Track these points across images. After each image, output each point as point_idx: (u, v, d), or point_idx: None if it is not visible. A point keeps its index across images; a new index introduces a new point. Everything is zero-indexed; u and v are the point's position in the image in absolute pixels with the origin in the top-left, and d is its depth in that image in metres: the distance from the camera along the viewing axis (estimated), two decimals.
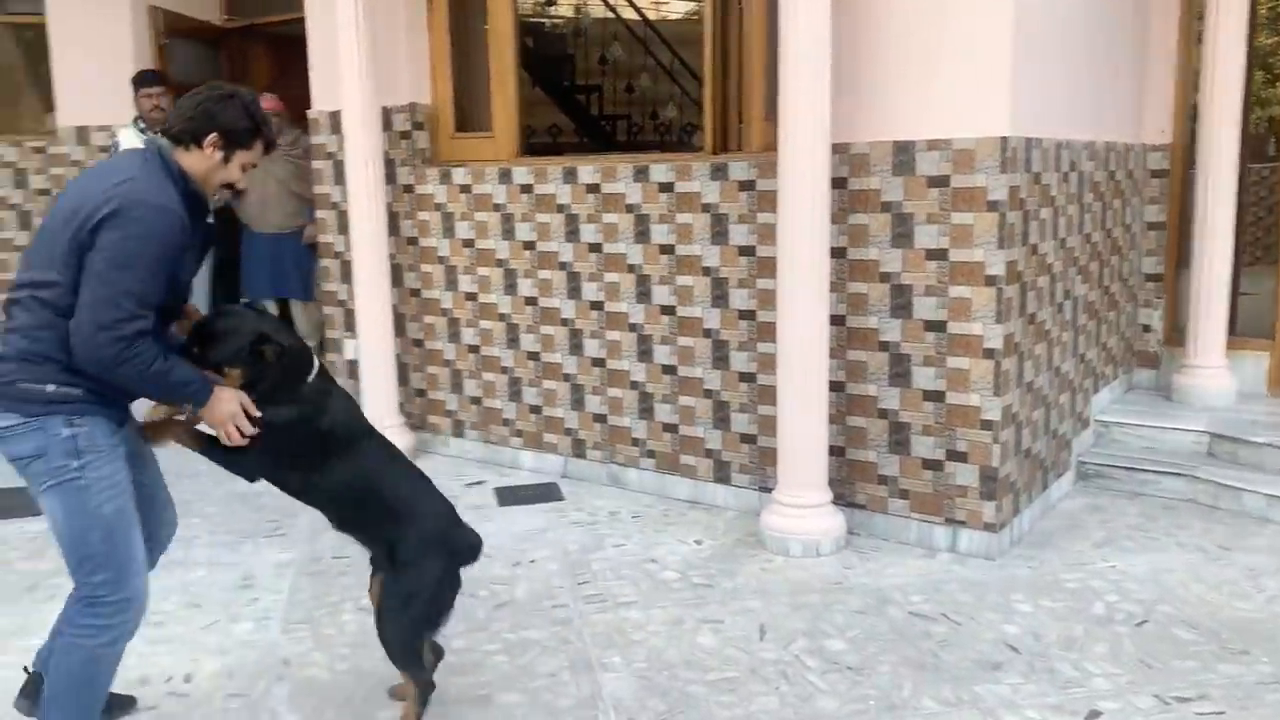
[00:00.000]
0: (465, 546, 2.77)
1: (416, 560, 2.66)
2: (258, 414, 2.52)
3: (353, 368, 5.72)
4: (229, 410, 2.47)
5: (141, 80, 5.90)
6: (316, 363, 2.67)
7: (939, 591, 3.66)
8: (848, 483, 4.17)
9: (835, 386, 4.07)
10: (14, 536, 4.33)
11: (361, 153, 5.05)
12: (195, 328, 2.57)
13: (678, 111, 8.49)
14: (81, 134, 6.62)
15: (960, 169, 3.80)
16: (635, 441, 4.75)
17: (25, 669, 2.83)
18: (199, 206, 2.51)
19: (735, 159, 4.35)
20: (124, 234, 2.30)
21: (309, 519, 4.46)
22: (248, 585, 3.83)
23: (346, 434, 2.66)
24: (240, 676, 3.15)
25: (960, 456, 3.93)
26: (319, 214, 5.76)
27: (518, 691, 3.03)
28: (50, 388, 2.36)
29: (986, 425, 3.87)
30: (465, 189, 5.13)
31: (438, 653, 2.94)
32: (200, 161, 2.48)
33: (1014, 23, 3.67)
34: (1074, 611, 3.50)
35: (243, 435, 2.50)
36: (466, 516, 4.35)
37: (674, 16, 9.90)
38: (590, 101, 8.50)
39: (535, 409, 5.07)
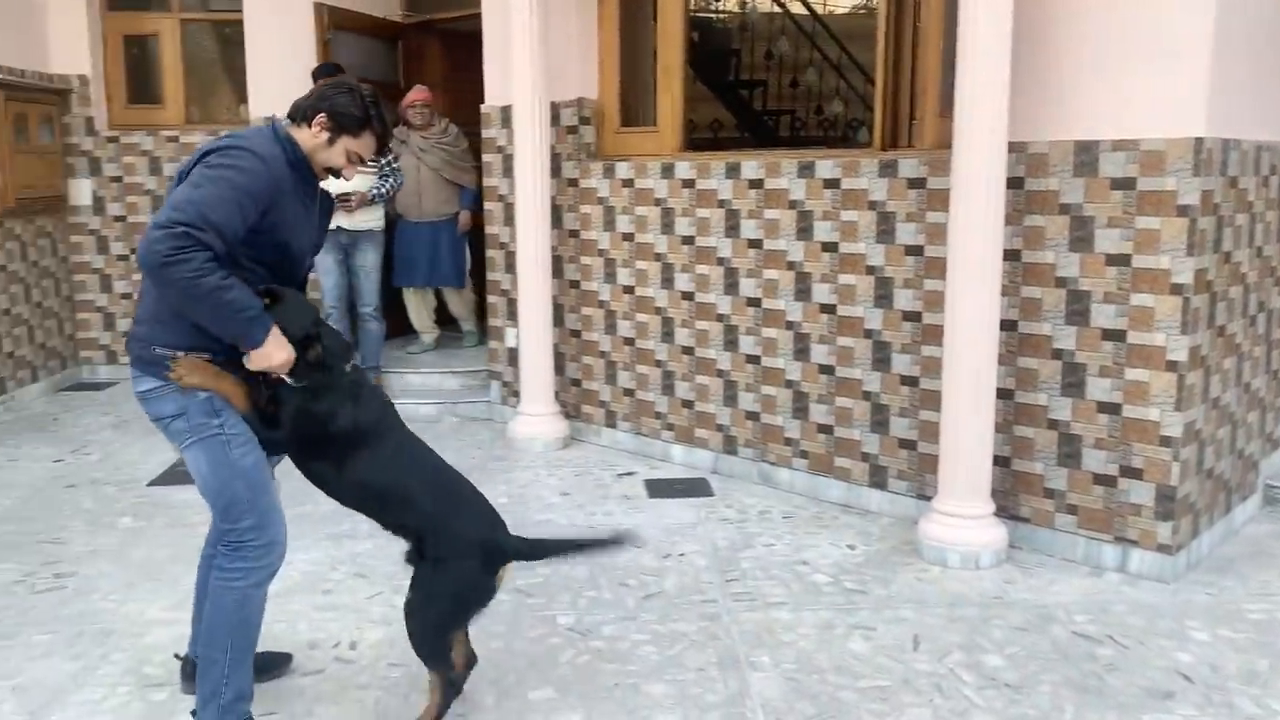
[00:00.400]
0: (498, 550, 2.70)
1: (444, 560, 2.64)
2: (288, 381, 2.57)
3: (513, 355, 5.87)
4: (281, 357, 2.50)
5: (320, 73, 6.18)
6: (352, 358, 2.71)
7: (1106, 613, 3.49)
8: (1011, 494, 4.02)
9: (1003, 394, 3.93)
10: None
11: (529, 146, 5.17)
12: (263, 290, 2.54)
13: (843, 107, 8.34)
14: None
15: (1148, 171, 3.60)
16: (788, 441, 4.70)
17: (176, 655, 3.03)
18: (307, 175, 2.64)
19: (905, 155, 4.24)
20: (209, 164, 2.44)
21: None
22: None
23: (371, 430, 2.64)
24: (400, 646, 3.25)
25: (1135, 473, 3.73)
26: (487, 206, 5.92)
27: (665, 683, 3.05)
28: (182, 354, 2.50)
29: (1166, 441, 3.66)
30: (628, 183, 5.18)
31: (470, 661, 2.88)
32: (309, 138, 2.62)
33: (1215, 18, 3.45)
34: (1257, 644, 3.27)
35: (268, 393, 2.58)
36: (617, 507, 4.49)
37: (840, 10, 9.73)
38: (753, 96, 8.46)
39: (687, 403, 5.08)
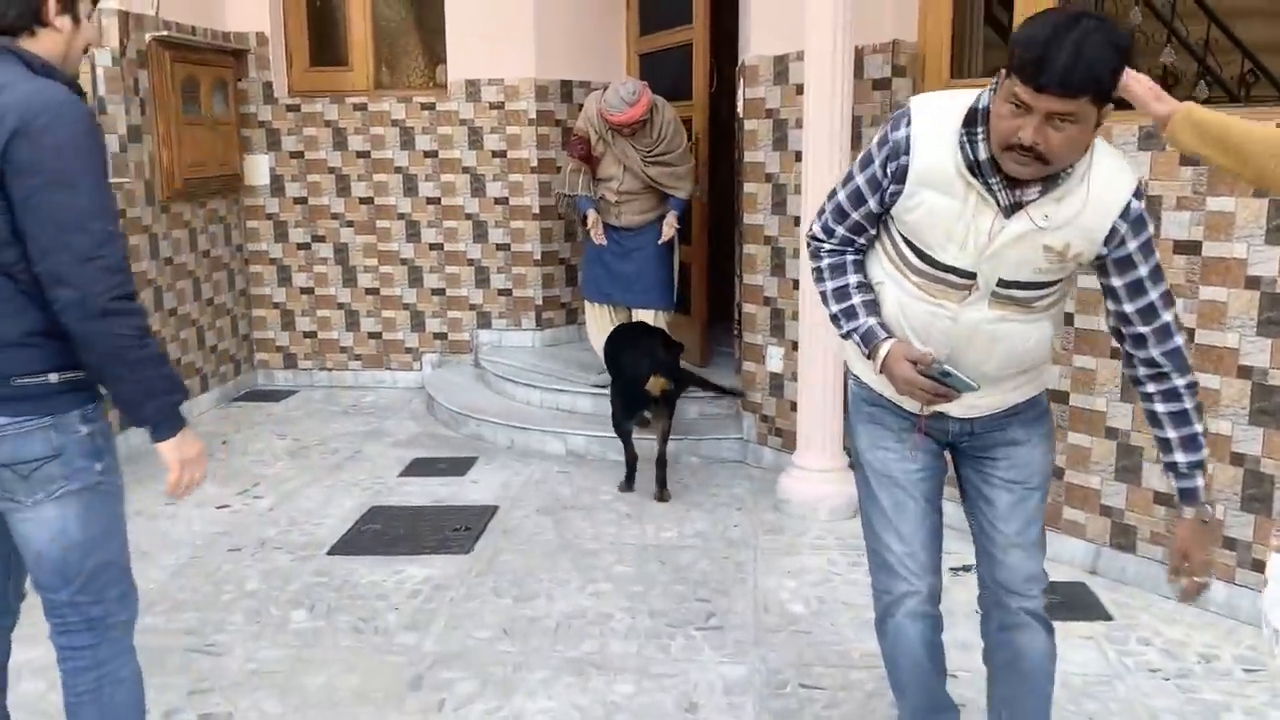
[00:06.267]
0: (629, 378, 4.30)
1: (611, 380, 4.51)
2: None
3: (775, 381, 4.53)
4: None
5: None
6: None
7: None
8: None
9: None
10: (392, 584, 3.49)
11: (826, 108, 3.79)
12: None
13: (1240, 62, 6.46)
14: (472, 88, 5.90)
15: None
16: (1229, 543, 3.19)
17: None
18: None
19: None
20: (55, 144, 1.75)
21: (745, 604, 3.32)
22: (690, 711, 2.71)
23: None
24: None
25: None
26: (748, 188, 4.57)
27: None
28: (53, 377, 1.87)
29: None
30: None
31: (659, 458, 4.31)
32: (57, 41, 1.88)
33: None
34: None
35: None
36: (973, 633, 3.01)
37: None
38: None
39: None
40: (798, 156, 4.24)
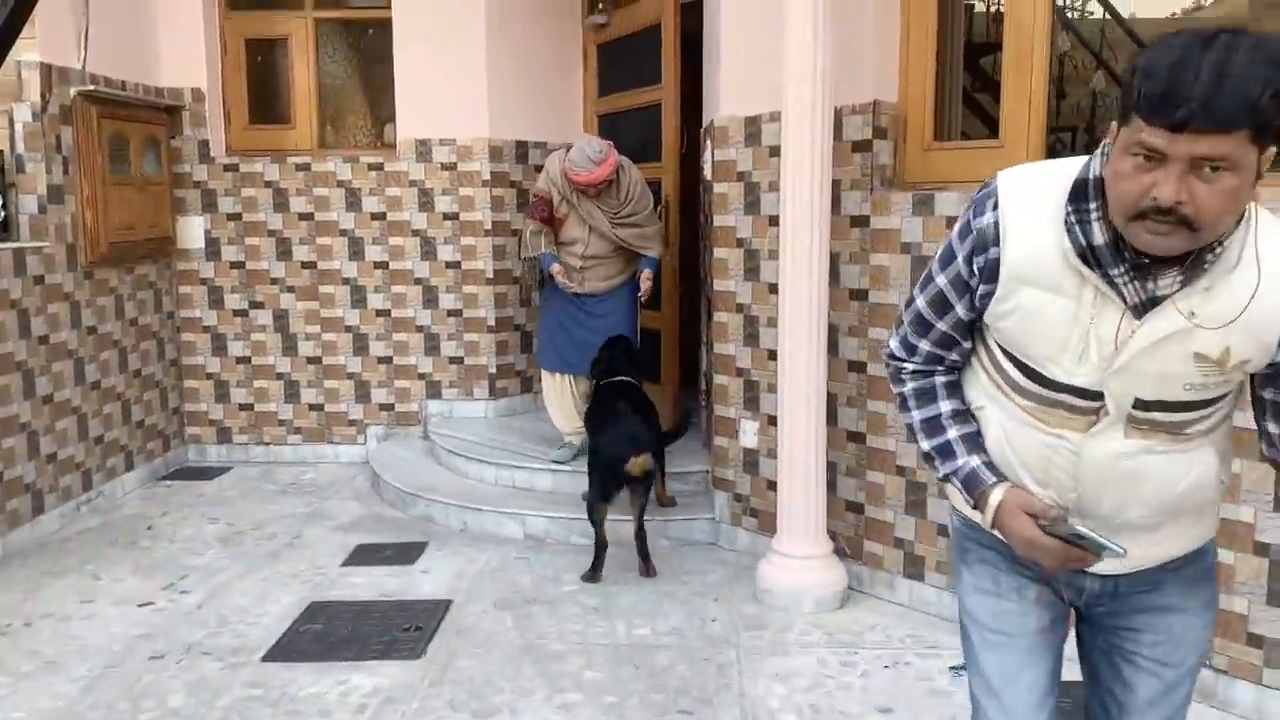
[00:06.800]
0: (608, 458, 3.98)
1: (590, 462, 4.09)
2: None
3: (749, 458, 4.26)
4: None
5: None
6: None
7: None
8: None
9: None
10: (336, 697, 3.11)
11: (806, 170, 3.56)
12: None
13: None
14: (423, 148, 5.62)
15: None
16: (1255, 639, 2.95)
17: None
18: None
19: None
20: None
21: (731, 716, 2.98)
22: None
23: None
24: None
25: None
26: (718, 253, 4.32)
27: None
28: None
29: None
30: (953, 222, 3.52)
31: (638, 535, 4.06)
32: None
33: None
34: None
35: None
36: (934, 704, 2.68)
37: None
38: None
39: None
40: (771, 220, 4.03)
